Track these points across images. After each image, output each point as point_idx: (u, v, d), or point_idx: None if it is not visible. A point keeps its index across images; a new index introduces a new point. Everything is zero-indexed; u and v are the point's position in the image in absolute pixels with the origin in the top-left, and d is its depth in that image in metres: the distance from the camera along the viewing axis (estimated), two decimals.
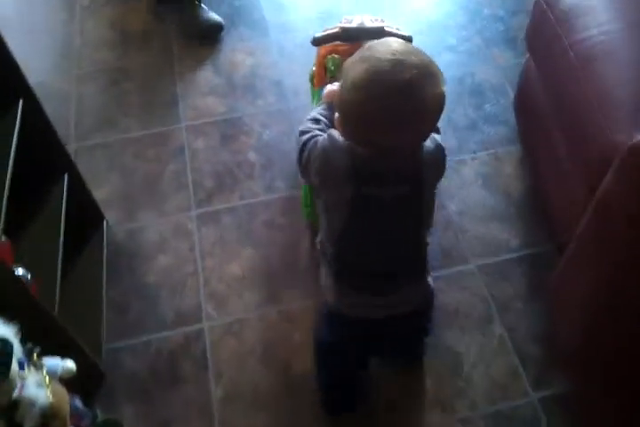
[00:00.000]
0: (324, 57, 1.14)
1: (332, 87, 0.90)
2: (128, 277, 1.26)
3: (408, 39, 1.03)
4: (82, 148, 1.49)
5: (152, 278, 1.26)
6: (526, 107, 1.36)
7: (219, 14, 1.73)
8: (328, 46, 1.13)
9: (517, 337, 1.16)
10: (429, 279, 0.94)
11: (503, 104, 1.51)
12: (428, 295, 0.95)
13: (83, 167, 1.35)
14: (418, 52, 0.75)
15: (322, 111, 0.93)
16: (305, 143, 0.86)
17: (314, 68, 1.21)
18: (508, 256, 1.27)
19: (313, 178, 0.85)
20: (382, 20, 1.13)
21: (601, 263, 0.89)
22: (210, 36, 1.72)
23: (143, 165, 1.45)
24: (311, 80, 1.25)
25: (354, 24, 1.10)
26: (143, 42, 1.72)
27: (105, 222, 1.31)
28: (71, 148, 1.46)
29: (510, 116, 1.45)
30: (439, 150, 0.84)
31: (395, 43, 0.76)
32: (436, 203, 1.21)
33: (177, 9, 1.74)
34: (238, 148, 1.47)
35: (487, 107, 1.51)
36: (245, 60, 1.65)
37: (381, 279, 0.89)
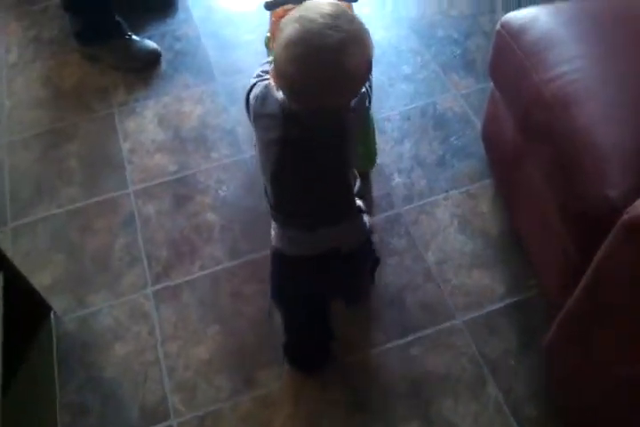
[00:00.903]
0: (278, 22, 1.11)
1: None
2: (83, 374, 1.14)
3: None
4: (21, 226, 1.35)
5: (110, 372, 1.13)
6: (496, 140, 1.27)
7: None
8: (281, 10, 1.11)
9: (513, 399, 1.07)
10: (364, 218, 0.99)
11: (470, 135, 1.42)
12: (363, 230, 0.98)
13: (23, 249, 1.23)
14: (349, 16, 0.77)
15: (266, 67, 0.95)
16: (251, 87, 0.91)
17: (268, 34, 1.20)
18: (493, 307, 1.17)
19: (250, 116, 0.90)
20: None
21: (600, 332, 0.81)
22: (149, 66, 1.62)
23: (90, 240, 1.32)
24: (267, 45, 1.24)
25: None
26: (80, 98, 1.59)
27: (52, 314, 1.18)
28: (8, 228, 1.33)
29: (479, 148, 1.36)
30: (362, 101, 0.86)
31: (328, 5, 0.77)
32: (414, 254, 1.24)
33: (108, 45, 1.62)
34: (194, 209, 1.36)
35: (453, 139, 1.42)
36: (193, 109, 1.53)
37: (316, 218, 0.92)
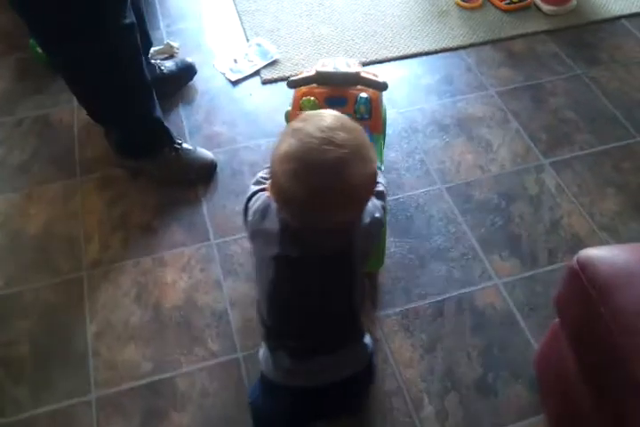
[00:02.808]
0: (300, 98, 1.16)
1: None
2: None
3: (382, 86, 1.10)
4: None
5: None
6: (554, 379, 1.00)
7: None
8: (304, 88, 1.15)
9: None
10: (366, 339, 0.93)
11: (516, 345, 1.15)
12: (363, 358, 0.92)
13: None
14: (350, 128, 0.73)
15: (265, 175, 0.91)
16: (250, 197, 0.86)
17: (289, 108, 1.21)
18: None
19: (248, 230, 0.85)
20: (360, 65, 1.19)
21: None
22: (202, 179, 1.41)
23: None
24: (287, 120, 1.22)
25: (329, 68, 1.14)
26: (45, 251, 1.29)
27: None
28: None
29: (527, 368, 1.10)
30: (374, 224, 0.82)
31: (328, 117, 0.73)
32: None
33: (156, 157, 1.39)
34: None
35: (496, 351, 1.14)
36: (178, 279, 1.25)
37: (312, 345, 0.86)
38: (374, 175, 0.73)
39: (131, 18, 1.17)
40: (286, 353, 0.84)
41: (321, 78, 1.11)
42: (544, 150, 1.51)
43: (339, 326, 0.85)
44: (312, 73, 1.11)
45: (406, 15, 1.87)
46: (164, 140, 1.40)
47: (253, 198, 0.83)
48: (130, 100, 1.29)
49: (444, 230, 1.33)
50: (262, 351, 0.91)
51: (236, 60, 1.71)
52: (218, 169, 1.45)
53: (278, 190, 0.73)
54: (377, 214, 0.82)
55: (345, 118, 0.74)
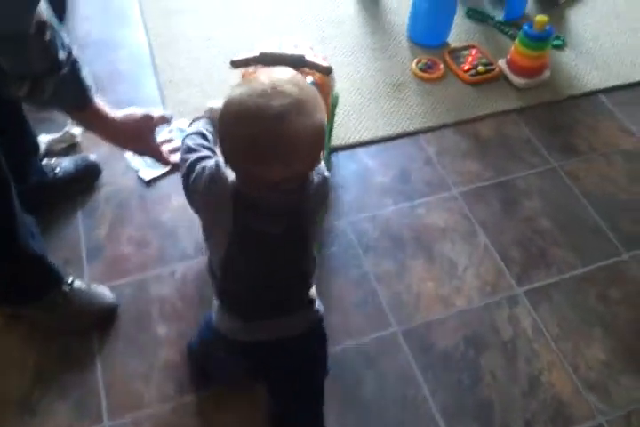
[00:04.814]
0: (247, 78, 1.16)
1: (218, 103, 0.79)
2: None
3: (326, 71, 1.08)
4: None
5: None
6: None
7: None
8: (251, 69, 1.10)
9: None
10: (317, 305, 0.92)
11: None
12: (315, 321, 0.92)
13: None
14: (301, 84, 0.72)
15: (207, 127, 0.90)
16: (192, 165, 0.81)
17: None
18: None
19: (195, 203, 0.82)
20: (310, 47, 1.15)
21: None
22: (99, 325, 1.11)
23: None
24: None
25: (274, 49, 1.11)
26: None
27: None
28: None
29: None
30: (324, 183, 0.82)
31: (283, 72, 0.74)
32: None
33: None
34: None
35: None
36: None
37: (265, 306, 0.87)
38: (321, 131, 0.72)
39: None
40: (239, 315, 0.86)
41: (263, 59, 1.07)
42: (517, 274, 1.27)
43: (290, 290, 0.87)
44: (255, 53, 1.07)
45: (357, 90, 1.59)
46: (47, 281, 1.10)
47: (195, 168, 0.80)
48: None
49: (399, 398, 1.07)
50: (215, 306, 0.91)
51: None
52: (120, 310, 1.15)
53: (222, 142, 0.73)
54: (326, 173, 0.82)
55: (300, 77, 0.75)
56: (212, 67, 1.62)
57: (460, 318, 1.19)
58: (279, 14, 1.80)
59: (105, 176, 1.36)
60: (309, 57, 1.07)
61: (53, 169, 1.30)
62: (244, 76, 1.13)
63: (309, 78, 1.09)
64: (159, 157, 1.03)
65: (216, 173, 0.77)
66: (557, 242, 1.32)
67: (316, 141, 0.73)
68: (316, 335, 0.94)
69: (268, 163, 0.70)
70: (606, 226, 1.35)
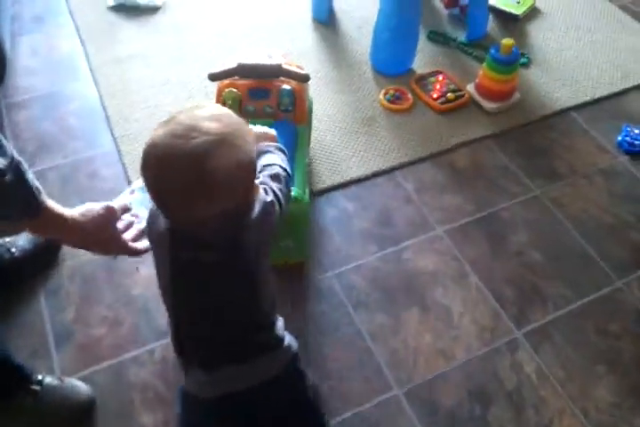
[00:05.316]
0: (223, 91, 1.14)
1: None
2: None
3: (304, 78, 1.12)
4: None
5: None
6: None
7: None
8: (227, 80, 1.13)
9: None
10: (287, 341, 0.85)
11: None
12: (286, 360, 0.83)
13: None
14: (224, 119, 0.71)
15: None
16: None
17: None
18: None
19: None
20: (283, 56, 1.17)
21: None
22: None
23: None
24: None
25: (251, 60, 1.12)
26: None
27: None
28: None
29: None
30: (265, 210, 0.77)
31: (205, 108, 0.72)
32: None
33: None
34: None
35: None
36: None
37: (221, 348, 0.81)
38: (248, 164, 0.71)
39: None
40: (199, 363, 0.81)
41: (242, 71, 1.10)
42: (514, 315, 1.21)
43: (246, 331, 0.81)
44: (233, 65, 1.10)
45: (327, 128, 1.52)
46: (13, 383, 0.99)
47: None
48: None
49: None
50: (180, 365, 0.86)
51: None
52: (98, 402, 1.05)
53: (146, 183, 0.70)
54: (268, 199, 0.78)
55: (224, 111, 0.74)
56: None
57: (461, 370, 1.13)
58: (234, 49, 1.72)
59: (66, 249, 1.26)
60: (286, 66, 1.11)
61: (9, 249, 1.19)
62: (219, 89, 1.14)
63: (287, 86, 1.13)
64: (126, 252, 0.93)
65: (155, 211, 0.77)
66: (549, 275, 1.28)
67: (244, 173, 0.71)
68: (290, 376, 0.85)
69: (183, 205, 0.69)
70: (596, 253, 1.31)
